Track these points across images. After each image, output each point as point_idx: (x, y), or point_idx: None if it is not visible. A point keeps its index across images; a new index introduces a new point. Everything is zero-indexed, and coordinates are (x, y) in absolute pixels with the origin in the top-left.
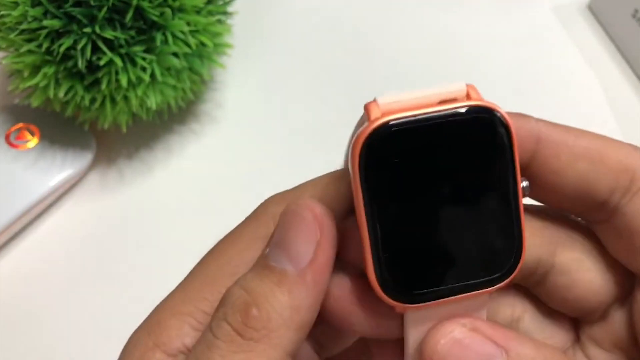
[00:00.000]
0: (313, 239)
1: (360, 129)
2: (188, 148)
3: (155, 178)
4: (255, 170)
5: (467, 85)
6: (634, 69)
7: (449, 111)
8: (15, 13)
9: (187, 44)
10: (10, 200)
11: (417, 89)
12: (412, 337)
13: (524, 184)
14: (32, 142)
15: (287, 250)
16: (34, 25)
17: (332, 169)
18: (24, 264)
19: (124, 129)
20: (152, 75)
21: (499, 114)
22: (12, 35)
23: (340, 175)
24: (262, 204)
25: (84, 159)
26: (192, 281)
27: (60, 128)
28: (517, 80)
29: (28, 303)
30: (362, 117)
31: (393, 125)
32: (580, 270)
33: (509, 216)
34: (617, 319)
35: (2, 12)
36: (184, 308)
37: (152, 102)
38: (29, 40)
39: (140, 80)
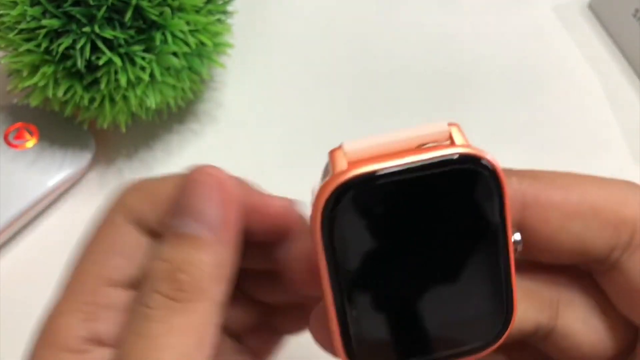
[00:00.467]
0: (219, 200)
1: (322, 182)
2: (187, 148)
3: None
4: (255, 170)
5: (450, 125)
6: (635, 69)
7: (428, 161)
8: (14, 12)
9: (187, 44)
10: (9, 200)
11: (392, 132)
12: None
13: (516, 237)
14: (31, 141)
15: (196, 215)
16: (33, 24)
17: None
18: (23, 264)
19: (123, 129)
20: (152, 75)
21: (488, 164)
22: (11, 35)
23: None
24: (116, 196)
25: (83, 158)
26: (68, 281)
27: (59, 128)
28: (518, 80)
29: (27, 303)
30: (326, 166)
31: (359, 180)
32: (584, 331)
33: (497, 277)
34: None
35: (1, 12)
36: (69, 306)
37: (152, 101)
38: (28, 40)
39: (139, 79)
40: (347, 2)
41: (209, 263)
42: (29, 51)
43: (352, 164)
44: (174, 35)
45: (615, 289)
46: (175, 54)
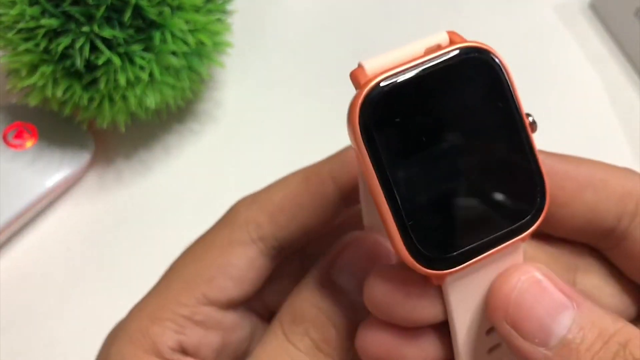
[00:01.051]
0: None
1: (353, 97)
2: (187, 147)
3: (154, 178)
4: (255, 169)
5: (448, 32)
6: (636, 68)
7: (438, 57)
8: (13, 12)
9: (186, 43)
10: (8, 200)
11: (399, 47)
12: (458, 307)
13: (530, 119)
14: (30, 141)
15: (358, 277)
16: (32, 24)
17: None
18: (22, 264)
19: (123, 129)
20: (151, 75)
21: (489, 51)
22: (9, 34)
23: (309, 175)
24: (233, 207)
25: (82, 158)
26: (169, 286)
27: (58, 127)
28: (519, 79)
29: (27, 303)
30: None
31: (386, 84)
32: (602, 296)
33: (524, 154)
34: None
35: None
36: (164, 314)
37: (151, 101)
38: (27, 39)
39: (138, 79)
40: (347, 2)
41: (355, 328)
42: (27, 51)
43: (373, 76)
44: (173, 35)
45: (625, 259)
46: (174, 53)
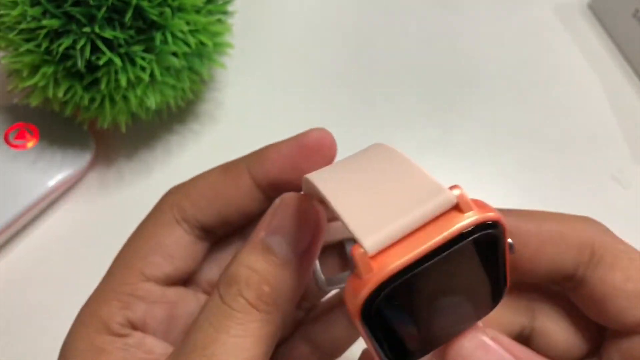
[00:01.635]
0: (311, 231)
1: (355, 288)
2: (188, 148)
3: (155, 178)
4: None
5: (457, 195)
6: (635, 69)
7: (445, 244)
8: (14, 12)
9: (187, 44)
10: (10, 200)
11: (403, 216)
12: None
13: (509, 241)
14: (31, 141)
15: (289, 237)
16: (33, 24)
17: None
18: (23, 264)
19: (123, 129)
20: (152, 75)
21: (496, 226)
22: (11, 35)
23: (227, 167)
24: (162, 196)
25: (83, 158)
26: (113, 272)
27: (59, 128)
28: (518, 80)
29: (27, 303)
30: (349, 252)
31: (391, 285)
32: (557, 331)
33: (497, 281)
34: None
35: (1, 12)
36: (109, 295)
37: (152, 101)
38: (28, 40)
39: (139, 79)
40: (347, 2)
41: (290, 284)
42: (29, 51)
43: (375, 261)
44: (174, 36)
45: (583, 300)
46: (175, 54)
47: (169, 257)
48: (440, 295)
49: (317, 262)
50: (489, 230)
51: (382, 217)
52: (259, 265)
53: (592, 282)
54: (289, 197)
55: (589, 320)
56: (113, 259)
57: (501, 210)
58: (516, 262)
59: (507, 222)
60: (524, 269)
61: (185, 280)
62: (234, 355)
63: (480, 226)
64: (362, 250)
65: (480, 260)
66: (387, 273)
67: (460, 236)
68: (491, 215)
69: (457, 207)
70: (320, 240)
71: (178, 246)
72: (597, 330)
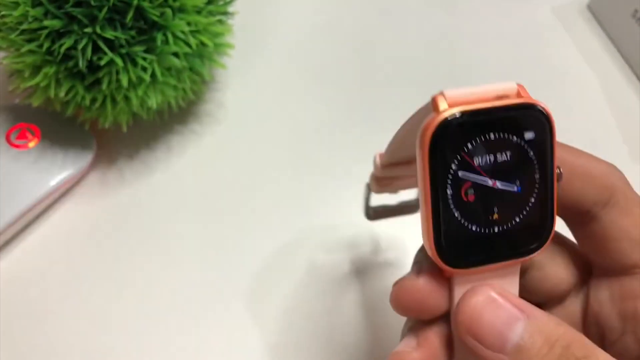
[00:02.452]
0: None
1: (430, 117)
2: (188, 148)
3: (156, 178)
4: (255, 170)
5: (518, 85)
6: (634, 69)
7: (507, 106)
8: (16, 13)
9: (188, 44)
10: (11, 200)
11: (477, 86)
12: (458, 296)
13: (558, 170)
14: (33, 142)
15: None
16: (35, 25)
17: (332, 168)
18: (24, 263)
19: (125, 129)
20: (153, 75)
21: (545, 111)
22: (12, 36)
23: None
24: None
25: (85, 158)
26: None
27: (60, 128)
28: (517, 80)
29: (28, 303)
30: (426, 106)
31: (460, 116)
32: (552, 265)
33: (546, 196)
34: (573, 304)
35: (2, 12)
36: None
37: (153, 102)
38: (30, 41)
39: (140, 80)
40: (347, 3)
41: None
42: (30, 52)
43: (451, 105)
44: (175, 36)
45: (588, 237)
46: (176, 54)
47: None
48: (500, 162)
49: (368, 191)
50: (542, 114)
51: (463, 89)
52: None
53: (603, 221)
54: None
55: (578, 257)
56: None
57: None
58: None
59: (556, 206)
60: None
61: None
62: None
63: (535, 107)
64: (441, 94)
65: (533, 144)
66: (458, 108)
67: (518, 105)
68: (544, 104)
69: (518, 94)
70: None
71: None
72: (584, 268)
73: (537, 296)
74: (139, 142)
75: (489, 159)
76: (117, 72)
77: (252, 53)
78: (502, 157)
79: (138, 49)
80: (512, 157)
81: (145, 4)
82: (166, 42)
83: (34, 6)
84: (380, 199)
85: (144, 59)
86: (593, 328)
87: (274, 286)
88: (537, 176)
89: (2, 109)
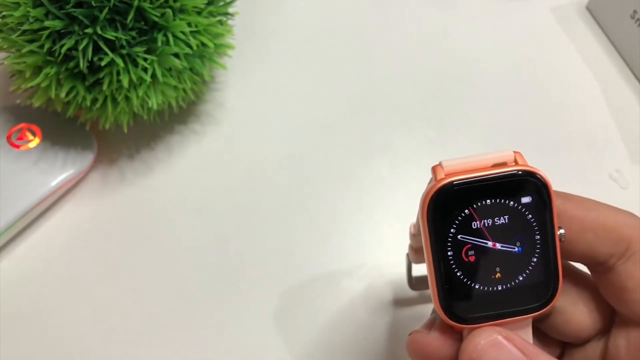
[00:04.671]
0: None
1: (429, 186)
2: (189, 148)
3: (156, 178)
4: (256, 170)
5: (515, 152)
6: (633, 70)
7: (501, 174)
8: (16, 14)
9: (188, 45)
10: (12, 200)
11: (474, 155)
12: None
13: (560, 231)
14: (34, 142)
15: None
16: (36, 25)
17: (332, 168)
18: (24, 263)
19: (125, 129)
20: (153, 76)
21: (541, 177)
22: (13, 36)
23: None
24: None
25: (85, 159)
26: None
27: (61, 128)
28: (516, 81)
29: (28, 303)
30: (431, 179)
31: (455, 184)
32: (575, 312)
33: (548, 257)
34: (595, 347)
35: (3, 13)
36: None
37: (153, 102)
38: (31, 41)
39: (141, 80)
40: (347, 3)
41: None
42: (31, 52)
43: (448, 174)
44: (175, 37)
45: (607, 285)
46: (176, 55)
47: None
48: (497, 232)
49: (409, 261)
50: (537, 179)
51: (460, 159)
52: None
53: (619, 272)
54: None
55: (603, 304)
56: None
57: (557, 192)
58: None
59: (558, 203)
60: (563, 249)
61: None
62: None
63: (529, 173)
64: (439, 165)
65: (530, 208)
66: (454, 177)
67: (512, 173)
68: (539, 171)
69: (515, 161)
70: None
71: None
72: (609, 315)
73: (560, 337)
74: (139, 143)
75: (487, 223)
76: (118, 73)
77: (252, 53)
78: (500, 220)
79: (139, 49)
80: (510, 220)
81: (146, 5)
82: (167, 42)
83: (35, 7)
84: (421, 269)
85: (145, 59)
86: None
87: (273, 282)
88: (537, 237)
89: (3, 109)
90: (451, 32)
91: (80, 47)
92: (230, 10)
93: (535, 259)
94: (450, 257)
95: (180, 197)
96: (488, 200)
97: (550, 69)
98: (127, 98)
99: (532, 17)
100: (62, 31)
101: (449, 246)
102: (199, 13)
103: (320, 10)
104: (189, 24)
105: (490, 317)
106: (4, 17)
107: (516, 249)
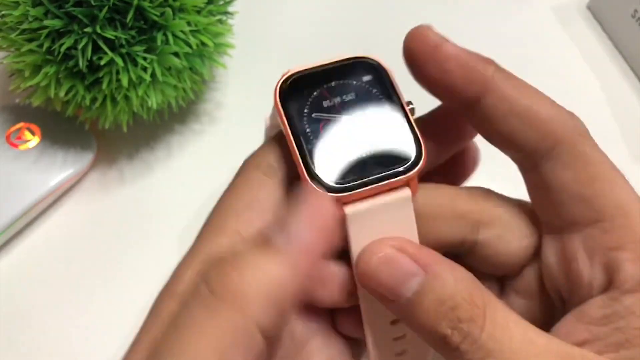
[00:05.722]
0: (317, 227)
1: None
2: (188, 148)
3: (156, 178)
4: None
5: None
6: (634, 69)
7: (339, 61)
8: (16, 13)
9: (188, 44)
10: (11, 200)
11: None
12: (354, 240)
13: (410, 107)
14: (33, 141)
15: (289, 229)
16: (35, 25)
17: None
18: (24, 263)
19: (125, 129)
20: (153, 75)
21: (374, 61)
22: (13, 35)
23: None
24: (243, 164)
25: (85, 158)
26: (202, 237)
27: (61, 127)
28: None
29: (28, 303)
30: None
31: (298, 72)
32: (500, 243)
33: (402, 123)
34: (531, 272)
35: (3, 12)
36: (196, 259)
37: (153, 101)
38: (30, 40)
39: (141, 79)
40: (347, 3)
41: (267, 276)
42: (31, 51)
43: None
44: (175, 36)
45: (533, 188)
46: (176, 54)
47: (263, 212)
48: (346, 104)
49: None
50: (371, 60)
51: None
52: (242, 249)
53: (544, 172)
54: (312, 201)
55: (528, 228)
56: (202, 225)
57: (493, 68)
58: (484, 117)
59: (489, 77)
60: (488, 126)
61: None
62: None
63: (364, 58)
64: (288, 71)
65: (372, 85)
66: (296, 70)
67: (349, 59)
68: (378, 58)
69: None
70: (325, 242)
71: (271, 200)
72: (538, 236)
73: (491, 271)
74: (139, 142)
75: (337, 100)
76: (118, 72)
77: (252, 53)
78: (349, 97)
79: (138, 48)
80: (358, 96)
81: (146, 4)
82: (166, 41)
83: (34, 6)
84: None
85: (144, 58)
86: (553, 294)
87: None
88: (388, 108)
89: (2, 108)
90: (452, 31)
91: (80, 46)
92: (230, 9)
93: (389, 126)
94: (309, 133)
95: (180, 196)
96: (333, 82)
97: (551, 68)
98: (126, 97)
99: (533, 16)
100: (61, 30)
101: (306, 124)
102: (198, 12)
103: (320, 10)
104: (189, 23)
105: (358, 182)
106: (3, 16)
107: (367, 119)
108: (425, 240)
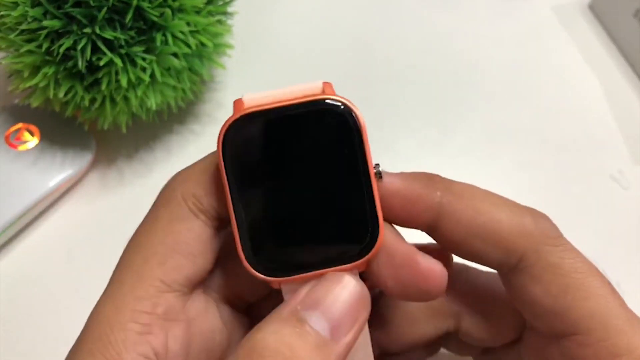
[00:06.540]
0: (357, 318)
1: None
2: (188, 148)
3: (155, 178)
4: None
5: (324, 83)
6: (635, 69)
7: (301, 103)
8: (15, 13)
9: (187, 45)
10: (10, 201)
11: (282, 88)
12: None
13: (377, 169)
14: (32, 142)
15: (331, 320)
16: (34, 25)
17: None
18: (24, 264)
19: (124, 129)
20: (152, 76)
21: (348, 106)
22: (12, 36)
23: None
24: (167, 186)
25: (84, 159)
26: (121, 282)
27: (60, 128)
28: (517, 80)
29: (28, 303)
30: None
31: (253, 115)
32: (481, 330)
33: (361, 198)
34: (513, 348)
35: (2, 13)
36: (123, 316)
37: (152, 102)
38: (29, 41)
39: (140, 80)
40: (347, 3)
41: None
42: (30, 52)
43: (249, 108)
44: (174, 36)
45: (509, 292)
46: (175, 54)
47: (191, 256)
48: (296, 164)
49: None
50: (344, 109)
51: (265, 92)
52: (292, 341)
53: (513, 285)
54: (334, 274)
55: (514, 311)
56: (118, 263)
57: (443, 183)
58: (444, 239)
59: (440, 203)
60: (451, 247)
61: (204, 280)
62: None
63: (335, 103)
64: (239, 99)
65: (337, 144)
66: (248, 109)
67: (314, 102)
68: (347, 101)
69: (323, 92)
70: (362, 329)
71: (199, 242)
72: (517, 324)
73: (477, 344)
74: (138, 143)
75: (291, 159)
76: (117, 73)
77: (252, 53)
78: (306, 154)
79: (137, 49)
80: (318, 157)
81: (145, 4)
82: (166, 42)
83: (33, 6)
84: None
85: (144, 59)
86: None
87: None
88: (346, 174)
89: (1, 109)
90: (452, 31)
91: (79, 47)
92: (230, 9)
93: (346, 200)
94: (252, 202)
95: None
96: (289, 132)
97: (552, 68)
98: (125, 98)
99: (533, 16)
100: (60, 31)
101: (250, 189)
102: (198, 12)
103: (320, 10)
104: (188, 24)
105: (297, 271)
106: (2, 16)
107: (324, 188)
108: (411, 340)
